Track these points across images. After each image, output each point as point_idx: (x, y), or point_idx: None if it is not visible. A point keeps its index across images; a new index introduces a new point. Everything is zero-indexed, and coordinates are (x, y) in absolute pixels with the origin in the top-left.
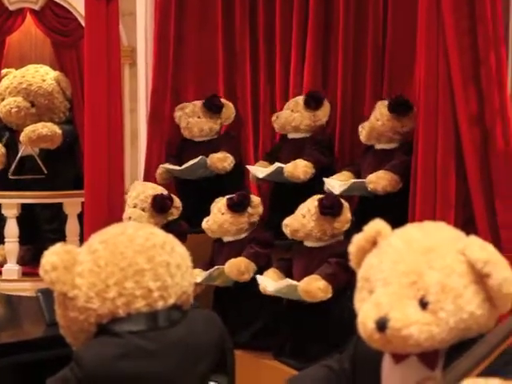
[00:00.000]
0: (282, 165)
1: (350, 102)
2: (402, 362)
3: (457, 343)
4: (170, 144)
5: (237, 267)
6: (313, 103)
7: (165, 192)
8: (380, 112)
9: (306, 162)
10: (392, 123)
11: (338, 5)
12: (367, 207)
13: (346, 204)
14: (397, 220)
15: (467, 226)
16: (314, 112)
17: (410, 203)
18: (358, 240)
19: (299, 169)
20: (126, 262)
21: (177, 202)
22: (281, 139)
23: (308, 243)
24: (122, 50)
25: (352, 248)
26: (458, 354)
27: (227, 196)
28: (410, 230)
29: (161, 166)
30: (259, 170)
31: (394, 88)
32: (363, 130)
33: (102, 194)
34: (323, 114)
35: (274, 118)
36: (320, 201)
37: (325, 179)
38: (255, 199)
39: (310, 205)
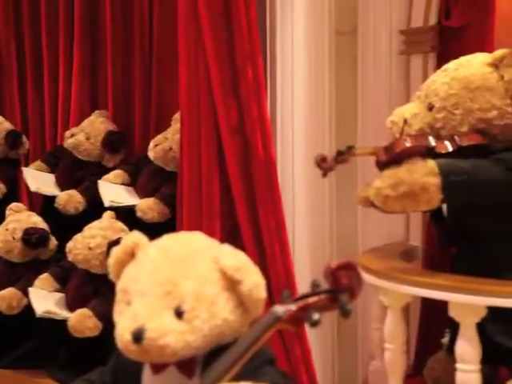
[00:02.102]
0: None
1: (120, 112)
2: (161, 372)
3: (214, 349)
4: None
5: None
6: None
7: None
8: (177, 144)
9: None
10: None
11: (104, 15)
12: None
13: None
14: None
15: (233, 235)
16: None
17: (178, 215)
18: (116, 252)
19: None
20: None
21: None
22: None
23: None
24: None
25: (111, 260)
26: (214, 360)
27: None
28: (166, 240)
29: None
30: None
31: (162, 97)
32: (153, 151)
33: None
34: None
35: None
36: (109, 245)
37: (99, 182)
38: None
39: (100, 241)
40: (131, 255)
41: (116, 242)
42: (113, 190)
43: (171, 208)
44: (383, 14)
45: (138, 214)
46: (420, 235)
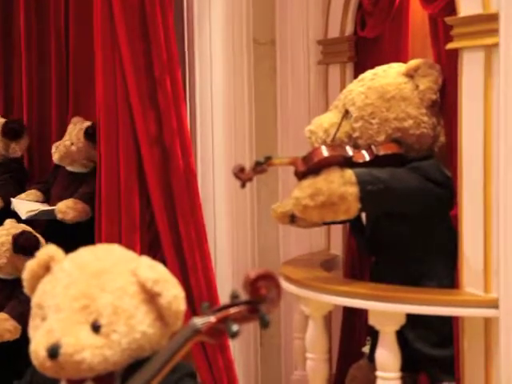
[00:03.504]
0: None
1: (36, 122)
2: None
3: (132, 363)
4: None
5: None
6: (11, 135)
7: None
8: (77, 137)
9: None
10: (87, 149)
11: (18, 21)
12: (56, 230)
13: (42, 241)
14: (86, 240)
15: (153, 247)
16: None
17: (96, 227)
18: (30, 266)
19: None
20: None
21: None
22: None
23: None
24: None
25: (25, 274)
26: (133, 374)
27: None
28: (82, 253)
29: None
30: None
31: (79, 108)
32: (57, 152)
33: None
34: (20, 147)
35: None
36: (14, 239)
37: (12, 200)
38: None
39: (4, 239)
40: (46, 269)
41: (20, 235)
42: (28, 204)
43: (91, 206)
44: (301, 25)
45: (59, 216)
46: (341, 244)
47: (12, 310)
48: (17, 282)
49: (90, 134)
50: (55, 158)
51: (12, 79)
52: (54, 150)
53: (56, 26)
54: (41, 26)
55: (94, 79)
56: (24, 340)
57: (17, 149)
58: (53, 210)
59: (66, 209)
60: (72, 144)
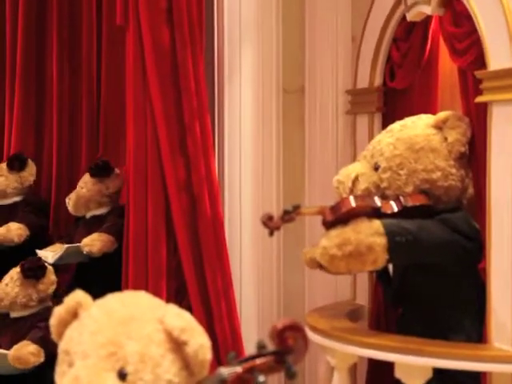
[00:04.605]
0: None
1: (65, 167)
2: None
3: None
4: None
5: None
6: (16, 164)
7: None
8: (83, 180)
9: (19, 225)
10: (97, 187)
11: (50, 68)
12: (85, 272)
13: (49, 267)
14: (114, 283)
15: (179, 293)
16: (19, 173)
17: (123, 273)
18: (58, 312)
19: (13, 232)
20: None
21: None
22: None
23: (14, 313)
24: None
25: (53, 320)
26: None
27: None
28: (110, 300)
29: None
30: None
31: (109, 154)
32: (70, 201)
33: None
34: (29, 173)
35: None
36: (22, 265)
37: (38, 251)
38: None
39: (13, 272)
40: (74, 315)
41: (26, 261)
42: (53, 249)
43: (116, 238)
44: (330, 74)
45: (85, 249)
46: (366, 295)
47: (32, 336)
48: (33, 318)
49: (94, 171)
50: (70, 209)
51: (43, 120)
52: (67, 202)
53: (88, 70)
54: (73, 69)
55: (125, 124)
56: (48, 373)
57: (26, 175)
58: (78, 247)
59: (92, 241)
60: (82, 188)
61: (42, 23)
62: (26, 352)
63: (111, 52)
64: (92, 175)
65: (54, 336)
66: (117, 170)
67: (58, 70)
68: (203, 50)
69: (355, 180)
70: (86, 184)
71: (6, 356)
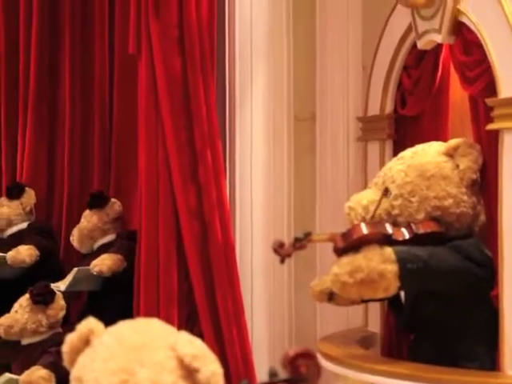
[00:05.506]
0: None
1: (76, 195)
2: None
3: None
4: None
5: None
6: (15, 192)
7: None
8: (83, 216)
9: (28, 246)
10: (97, 216)
11: (63, 94)
12: (97, 299)
13: (58, 292)
14: (126, 310)
15: (191, 319)
16: (19, 200)
17: (135, 299)
18: (70, 339)
19: (23, 252)
20: None
21: None
22: None
23: (25, 340)
24: None
25: (65, 347)
26: None
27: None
28: (121, 327)
29: None
30: None
31: (120, 180)
32: (74, 237)
33: None
34: (28, 198)
35: None
36: (31, 291)
37: (51, 285)
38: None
39: (22, 299)
40: (86, 342)
41: (34, 287)
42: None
43: (125, 257)
44: (341, 101)
45: (95, 270)
46: (378, 321)
47: (43, 361)
48: (43, 344)
49: (91, 202)
50: (76, 245)
51: (55, 148)
52: (71, 239)
53: (100, 98)
54: (85, 97)
55: (137, 151)
56: None
57: (26, 200)
58: (88, 270)
59: (101, 261)
60: (82, 222)
61: (55, 51)
62: (37, 377)
63: (123, 80)
64: (90, 207)
65: (66, 363)
66: (113, 200)
67: (71, 98)
68: (214, 78)
69: (366, 207)
70: (85, 217)
71: (17, 381)
